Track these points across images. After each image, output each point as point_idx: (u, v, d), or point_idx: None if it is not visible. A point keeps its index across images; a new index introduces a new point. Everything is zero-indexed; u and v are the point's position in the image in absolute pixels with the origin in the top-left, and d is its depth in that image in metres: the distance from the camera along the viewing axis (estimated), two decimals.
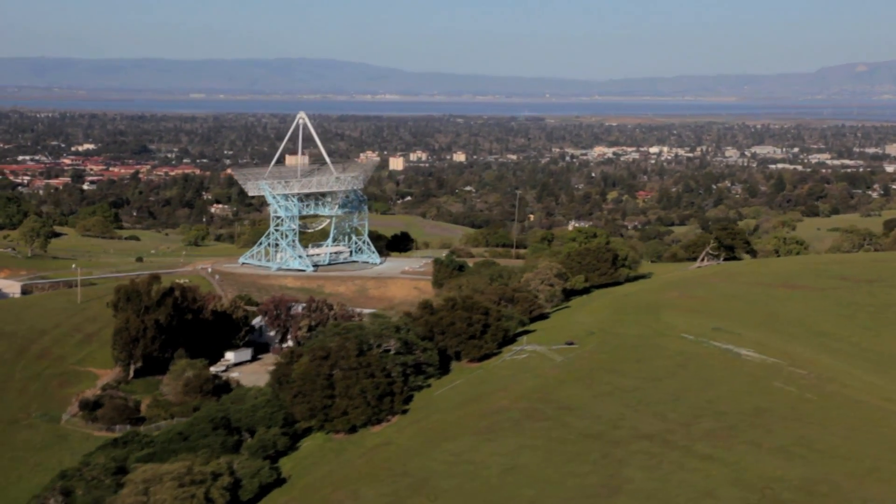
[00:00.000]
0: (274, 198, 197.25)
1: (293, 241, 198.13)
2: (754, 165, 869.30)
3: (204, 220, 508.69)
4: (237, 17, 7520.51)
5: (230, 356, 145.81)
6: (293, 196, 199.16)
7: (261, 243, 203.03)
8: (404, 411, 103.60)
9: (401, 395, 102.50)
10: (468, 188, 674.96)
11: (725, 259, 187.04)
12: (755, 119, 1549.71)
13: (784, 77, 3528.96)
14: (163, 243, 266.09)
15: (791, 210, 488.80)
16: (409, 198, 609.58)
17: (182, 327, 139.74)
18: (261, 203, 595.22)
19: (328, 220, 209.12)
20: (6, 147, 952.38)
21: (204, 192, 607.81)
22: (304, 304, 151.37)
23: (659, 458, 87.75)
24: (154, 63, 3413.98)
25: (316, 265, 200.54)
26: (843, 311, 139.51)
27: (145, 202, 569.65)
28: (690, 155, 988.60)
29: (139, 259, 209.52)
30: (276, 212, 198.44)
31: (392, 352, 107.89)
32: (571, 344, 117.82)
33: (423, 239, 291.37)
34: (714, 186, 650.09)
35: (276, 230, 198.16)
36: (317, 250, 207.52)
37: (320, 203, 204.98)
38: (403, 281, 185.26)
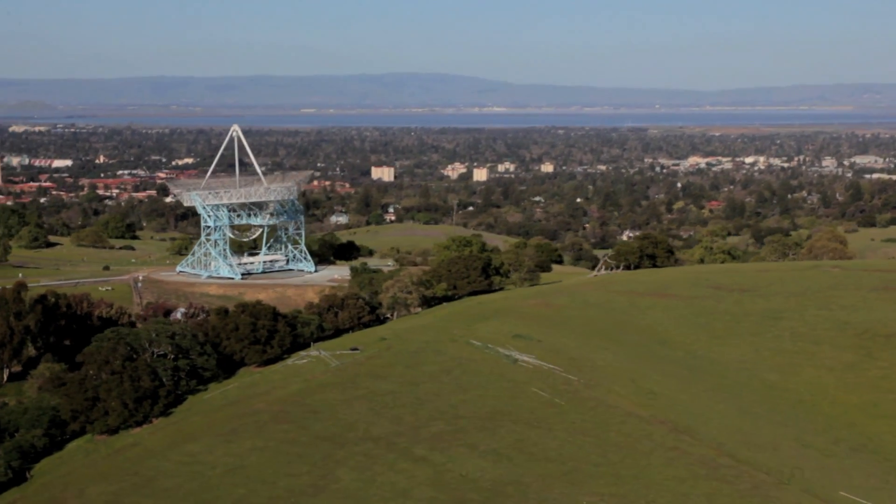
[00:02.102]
0: (203, 208, 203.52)
1: (223, 249, 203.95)
2: (849, 175, 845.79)
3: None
4: (348, 34, 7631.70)
5: None
6: (223, 206, 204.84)
7: (194, 252, 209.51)
8: (167, 413, 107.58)
9: (165, 399, 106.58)
10: (537, 198, 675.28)
11: (636, 267, 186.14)
12: (867, 129, 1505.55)
13: None
14: (158, 252, 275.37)
15: (847, 221, 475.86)
16: (470, 208, 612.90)
17: (58, 332, 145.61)
18: (324, 214, 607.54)
19: (260, 230, 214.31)
20: (110, 162, 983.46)
21: None
22: (184, 311, 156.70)
23: (375, 460, 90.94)
24: (268, 80, 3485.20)
25: (249, 273, 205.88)
26: (699, 320, 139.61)
27: None
28: (785, 165, 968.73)
29: (106, 268, 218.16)
30: (206, 221, 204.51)
31: (169, 356, 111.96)
32: (355, 350, 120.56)
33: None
34: (789, 196, 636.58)
35: (207, 239, 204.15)
36: (251, 259, 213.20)
37: (252, 213, 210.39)
38: (326, 288, 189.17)
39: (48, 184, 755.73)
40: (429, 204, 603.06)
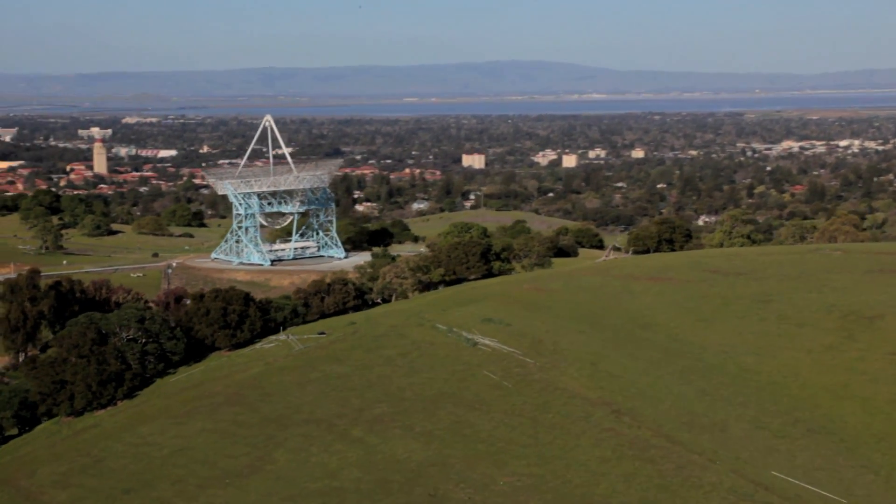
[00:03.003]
0: (235, 196, 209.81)
1: (254, 236, 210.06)
2: None
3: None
4: (452, 24, 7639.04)
5: None
6: (254, 194, 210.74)
7: (227, 240, 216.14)
8: (133, 396, 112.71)
9: (130, 382, 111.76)
10: (619, 184, 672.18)
11: (656, 251, 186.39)
12: None
13: None
14: (215, 239, 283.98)
15: None
16: (550, 194, 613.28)
17: (73, 317, 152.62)
18: (405, 201, 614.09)
19: (291, 218, 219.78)
20: (213, 151, 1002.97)
21: (357, 191, 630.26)
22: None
23: (313, 441, 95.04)
24: (373, 70, 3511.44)
25: (280, 260, 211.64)
26: (689, 304, 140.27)
27: None
28: (880, 148, 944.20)
29: (155, 255, 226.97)
30: (237, 209, 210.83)
31: (141, 341, 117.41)
32: (322, 334, 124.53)
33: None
34: (875, 180, 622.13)
35: (239, 227, 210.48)
36: (282, 245, 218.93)
37: (283, 201, 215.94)
38: (350, 274, 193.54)
39: (150, 173, 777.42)
40: (509, 190, 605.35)
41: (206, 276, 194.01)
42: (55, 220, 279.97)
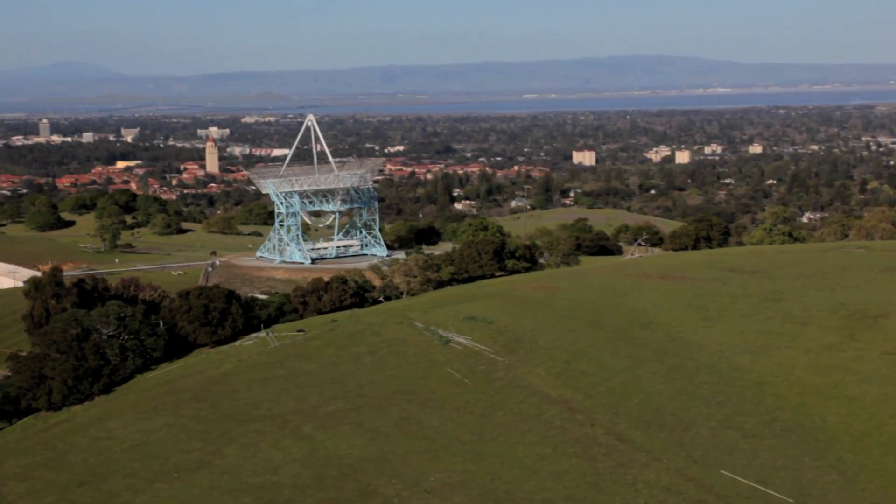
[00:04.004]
0: (277, 195, 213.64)
1: (296, 235, 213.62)
2: None
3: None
4: (574, 19, 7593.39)
5: None
6: (295, 193, 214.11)
7: (270, 238, 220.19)
8: (110, 391, 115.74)
9: (107, 377, 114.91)
10: (727, 180, 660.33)
11: (694, 248, 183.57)
12: None
13: None
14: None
15: None
16: (653, 191, 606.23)
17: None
18: (504, 199, 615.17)
19: (333, 216, 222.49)
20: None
21: (458, 190, 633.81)
22: None
23: (263, 437, 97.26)
24: (493, 66, 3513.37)
25: (322, 258, 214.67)
26: (696, 303, 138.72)
27: (398, 199, 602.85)
28: None
29: (213, 253, 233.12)
30: (278, 208, 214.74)
31: (123, 337, 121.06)
32: (301, 331, 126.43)
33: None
34: None
35: (281, 225, 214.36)
36: (325, 244, 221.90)
37: (325, 200, 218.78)
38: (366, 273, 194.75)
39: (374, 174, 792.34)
40: (609, 188, 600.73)
41: (245, 275, 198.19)
42: (129, 218, 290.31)
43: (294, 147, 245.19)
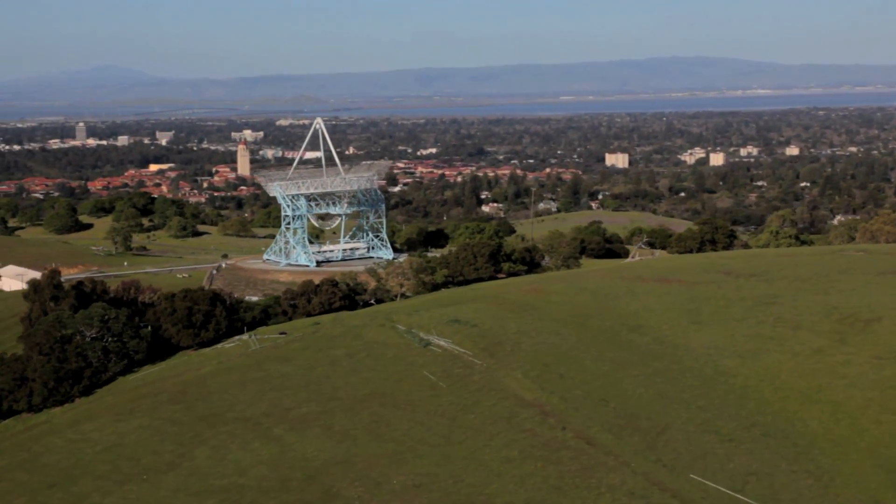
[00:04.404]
0: (283, 198, 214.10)
1: (302, 238, 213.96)
2: None
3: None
4: (612, 20, 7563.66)
5: None
6: (301, 196, 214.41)
7: (277, 241, 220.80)
8: (91, 393, 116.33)
9: (88, 379, 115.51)
10: (759, 183, 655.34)
11: (698, 251, 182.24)
12: None
13: None
14: None
15: None
16: (682, 193, 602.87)
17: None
18: (531, 201, 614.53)
19: (339, 219, 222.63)
20: (357, 153, 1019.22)
21: (486, 192, 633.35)
22: None
23: (234, 439, 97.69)
24: (530, 68, 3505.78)
25: (328, 261, 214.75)
26: (689, 306, 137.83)
27: (425, 201, 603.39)
28: None
29: (224, 255, 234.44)
30: (284, 210, 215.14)
31: (107, 338, 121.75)
32: (283, 334, 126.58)
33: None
34: None
35: (287, 228, 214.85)
36: (331, 247, 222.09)
37: (331, 203, 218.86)
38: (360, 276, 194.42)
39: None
40: (638, 190, 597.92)
41: (249, 277, 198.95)
42: (146, 221, 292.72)
43: (302, 150, 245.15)
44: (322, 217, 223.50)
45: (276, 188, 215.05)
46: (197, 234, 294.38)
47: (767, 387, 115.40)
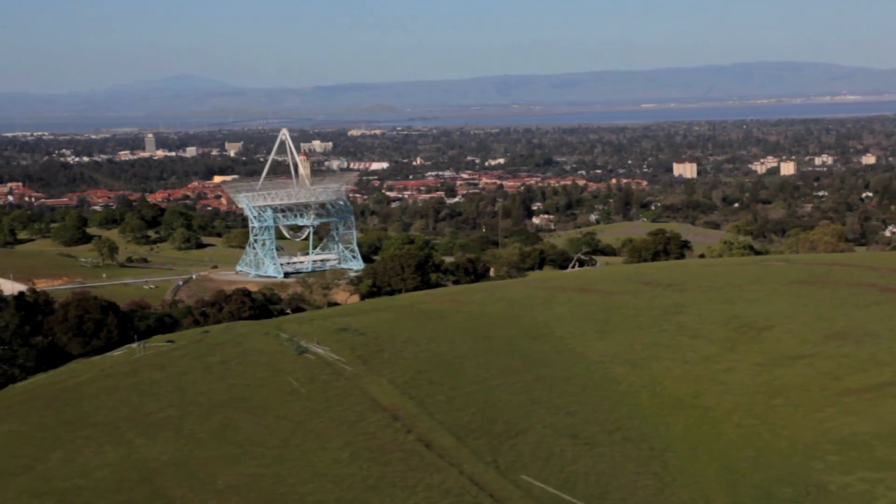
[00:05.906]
0: (250, 209, 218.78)
1: (270, 249, 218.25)
2: None
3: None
4: (696, 25, 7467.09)
5: None
6: (268, 207, 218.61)
7: (247, 252, 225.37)
8: None
9: None
10: (821, 193, 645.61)
11: (653, 259, 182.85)
12: None
13: None
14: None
15: None
16: (736, 204, 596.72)
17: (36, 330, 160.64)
18: (582, 213, 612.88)
19: (307, 230, 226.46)
20: (425, 163, 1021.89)
21: (538, 203, 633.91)
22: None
23: (89, 443, 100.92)
24: (611, 75, 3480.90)
25: (297, 272, 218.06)
26: (599, 315, 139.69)
27: (475, 213, 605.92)
28: None
29: (214, 266, 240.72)
30: (252, 221, 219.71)
31: None
32: (170, 342, 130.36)
33: None
34: None
35: (255, 239, 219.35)
36: (301, 258, 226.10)
37: (300, 214, 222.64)
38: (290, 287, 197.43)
39: (349, 186, 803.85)
40: (691, 201, 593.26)
41: (216, 289, 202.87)
42: (152, 233, 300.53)
43: (270, 160, 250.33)
44: (294, 228, 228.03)
45: (243, 199, 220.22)
46: (201, 245, 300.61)
47: (647, 393, 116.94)
